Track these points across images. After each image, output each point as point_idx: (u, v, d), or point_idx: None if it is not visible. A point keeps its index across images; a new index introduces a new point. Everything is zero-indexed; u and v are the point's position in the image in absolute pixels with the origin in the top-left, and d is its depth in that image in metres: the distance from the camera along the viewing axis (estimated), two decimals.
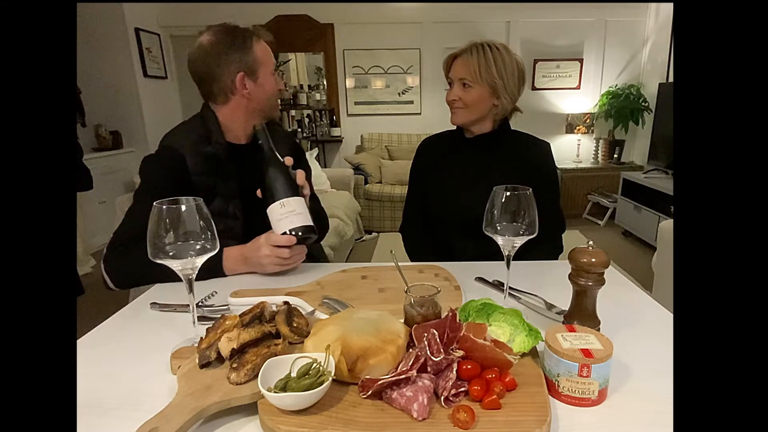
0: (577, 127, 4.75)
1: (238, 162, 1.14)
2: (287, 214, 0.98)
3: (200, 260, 0.68)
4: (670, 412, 0.57)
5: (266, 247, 1.00)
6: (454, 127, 1.32)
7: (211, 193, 1.09)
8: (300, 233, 0.98)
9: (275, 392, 0.54)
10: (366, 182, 4.26)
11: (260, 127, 1.03)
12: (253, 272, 1.07)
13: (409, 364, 0.57)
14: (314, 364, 0.57)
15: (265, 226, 1.02)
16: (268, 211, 1.00)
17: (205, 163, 1.09)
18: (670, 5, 4.12)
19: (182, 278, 0.69)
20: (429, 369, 0.58)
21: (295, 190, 1.01)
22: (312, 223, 1.01)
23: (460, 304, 0.82)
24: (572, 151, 4.85)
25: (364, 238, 3.98)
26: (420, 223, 1.37)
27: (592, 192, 4.55)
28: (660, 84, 4.09)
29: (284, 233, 0.98)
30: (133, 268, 1.01)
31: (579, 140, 4.83)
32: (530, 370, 0.62)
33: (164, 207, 0.65)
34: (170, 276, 0.79)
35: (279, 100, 1.10)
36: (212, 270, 1.03)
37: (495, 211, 0.78)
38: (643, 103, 4.42)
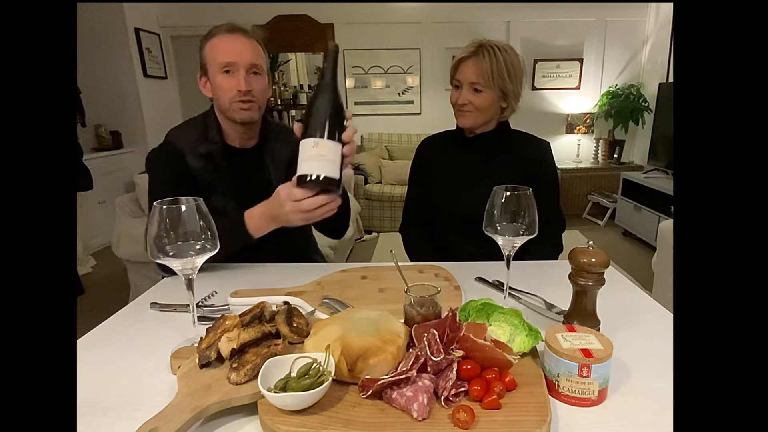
0: (577, 127, 4.75)
1: (234, 163, 1.15)
2: (315, 157, 0.83)
3: (200, 260, 0.68)
4: (670, 412, 0.57)
5: (288, 204, 0.89)
6: (454, 127, 1.32)
7: (210, 189, 1.12)
8: (320, 182, 0.84)
9: (275, 392, 0.54)
10: (366, 182, 4.26)
11: (332, 47, 0.87)
12: (261, 258, 1.10)
13: (409, 364, 0.57)
14: (314, 364, 0.57)
15: None
16: (300, 143, 0.85)
17: (202, 161, 1.11)
18: (670, 5, 4.12)
19: (182, 278, 0.69)
20: (429, 369, 0.58)
21: (334, 134, 0.84)
22: (338, 177, 0.85)
23: (460, 304, 0.82)
24: (572, 151, 4.85)
25: (364, 238, 3.98)
26: (420, 223, 1.37)
27: (592, 192, 4.55)
28: (660, 84, 4.09)
29: (302, 178, 0.85)
30: None
31: (579, 140, 4.83)
32: (530, 370, 0.62)
33: (164, 207, 0.65)
34: None
35: (239, 102, 1.06)
36: (238, 236, 0.99)
37: (495, 211, 0.78)
38: (643, 103, 4.42)
